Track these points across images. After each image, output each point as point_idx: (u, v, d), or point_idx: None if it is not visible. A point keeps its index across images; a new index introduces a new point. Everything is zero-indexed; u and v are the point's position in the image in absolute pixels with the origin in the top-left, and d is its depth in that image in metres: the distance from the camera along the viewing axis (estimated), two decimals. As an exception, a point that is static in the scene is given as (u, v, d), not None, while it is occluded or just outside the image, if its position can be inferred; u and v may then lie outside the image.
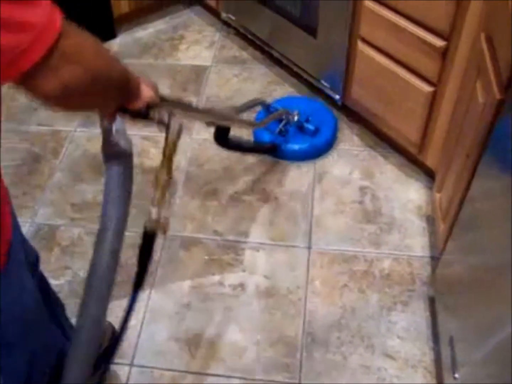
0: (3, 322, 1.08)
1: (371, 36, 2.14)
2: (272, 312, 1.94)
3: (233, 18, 2.94)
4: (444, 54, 1.88)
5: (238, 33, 3.04)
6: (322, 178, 2.35)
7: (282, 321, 1.91)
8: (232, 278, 2.04)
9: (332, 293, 1.98)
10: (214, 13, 3.16)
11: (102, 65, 0.84)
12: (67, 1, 3.05)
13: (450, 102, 1.95)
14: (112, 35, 3.11)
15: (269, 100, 2.50)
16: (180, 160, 2.43)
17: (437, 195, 2.00)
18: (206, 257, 2.10)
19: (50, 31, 0.71)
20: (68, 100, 0.80)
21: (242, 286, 2.01)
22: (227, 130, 2.00)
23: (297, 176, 2.37)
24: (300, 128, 2.46)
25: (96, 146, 2.50)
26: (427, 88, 2.01)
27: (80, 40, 0.78)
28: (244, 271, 2.05)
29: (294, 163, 2.43)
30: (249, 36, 2.92)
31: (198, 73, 2.88)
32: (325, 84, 2.53)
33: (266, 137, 2.44)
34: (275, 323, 1.91)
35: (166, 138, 1.17)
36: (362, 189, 2.30)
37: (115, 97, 0.95)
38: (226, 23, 3.10)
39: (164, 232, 1.20)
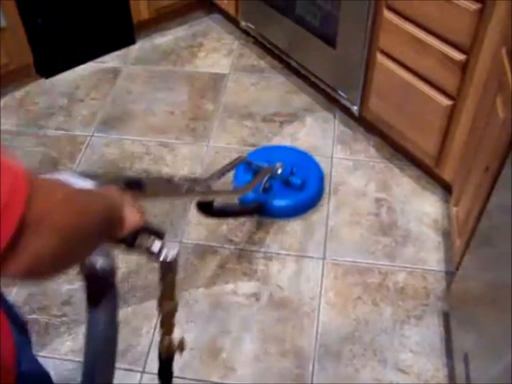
0: None
1: (391, 48, 2.14)
2: (285, 323, 1.93)
3: (252, 26, 2.95)
4: (464, 68, 1.87)
5: (256, 41, 3.05)
6: (338, 189, 2.34)
7: (295, 332, 1.91)
8: (245, 287, 2.03)
9: (346, 305, 1.97)
10: (233, 21, 3.17)
11: (77, 218, 0.69)
12: (87, 7, 3.09)
13: (469, 116, 1.94)
14: (132, 41, 3.13)
15: (247, 154, 2.40)
16: (196, 167, 2.44)
17: (454, 209, 1.99)
18: (220, 266, 2.09)
19: (15, 204, 0.57)
20: (42, 271, 0.66)
21: (255, 295, 2.00)
22: (210, 203, 1.93)
23: (312, 187, 2.36)
24: (285, 182, 2.28)
25: (113, 151, 2.52)
26: (446, 102, 2.00)
27: (48, 198, 0.63)
28: (257, 280, 2.05)
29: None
30: (268, 45, 2.92)
31: (216, 81, 2.89)
32: (343, 94, 2.52)
33: (250, 196, 2.21)
34: (287, 333, 1.90)
35: (162, 271, 1.00)
36: (378, 201, 2.29)
37: (96, 239, 0.79)
38: (245, 32, 3.10)
39: (181, 351, 1.12)
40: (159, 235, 0.93)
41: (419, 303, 1.97)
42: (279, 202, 2.24)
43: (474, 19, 1.76)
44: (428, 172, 2.35)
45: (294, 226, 2.21)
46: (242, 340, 1.89)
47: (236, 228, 2.21)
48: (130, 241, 0.89)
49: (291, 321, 1.94)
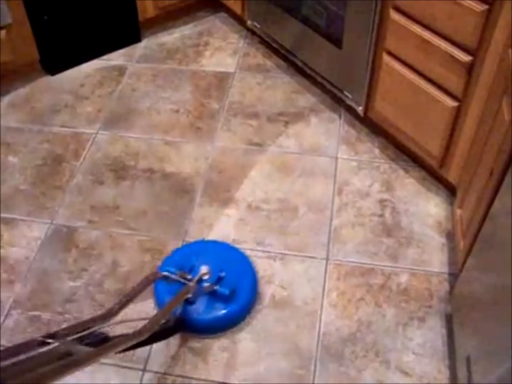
0: None
1: (397, 49, 2.13)
2: (287, 323, 1.93)
3: (258, 26, 2.94)
4: (470, 69, 1.87)
5: (262, 41, 3.05)
6: (342, 189, 2.34)
7: (297, 332, 1.90)
8: (248, 286, 2.03)
9: (348, 306, 1.97)
10: (239, 20, 3.16)
11: None
12: (93, 5, 3.09)
13: (474, 118, 1.93)
14: (137, 39, 3.13)
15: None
16: (200, 165, 2.44)
17: (458, 211, 1.99)
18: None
19: None
20: None
21: (258, 295, 2.00)
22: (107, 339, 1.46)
23: (317, 187, 2.35)
24: (211, 292, 1.91)
25: (118, 149, 2.52)
26: (451, 103, 1.99)
27: None
28: (260, 280, 2.04)
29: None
30: (274, 45, 2.92)
31: (222, 80, 2.88)
32: (348, 95, 2.52)
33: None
34: (290, 334, 1.90)
35: None
36: (382, 202, 2.29)
37: None
38: (251, 31, 3.10)
39: None
40: None
41: (422, 305, 1.96)
42: (204, 317, 1.89)
43: (481, 20, 1.75)
44: (433, 173, 2.34)
45: (298, 225, 2.21)
46: (244, 340, 1.89)
47: (239, 227, 2.21)
48: None
49: (294, 321, 1.93)
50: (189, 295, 1.84)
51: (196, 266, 1.94)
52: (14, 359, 0.83)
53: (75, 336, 0.95)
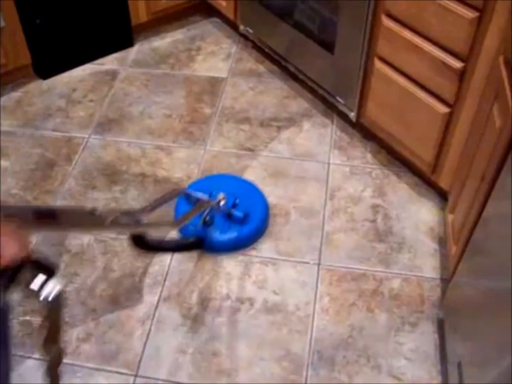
0: None
1: (389, 55, 2.14)
2: (279, 328, 1.93)
3: (251, 31, 2.95)
4: (462, 76, 1.88)
5: (255, 46, 3.05)
6: (334, 195, 2.34)
7: (289, 337, 1.90)
8: (240, 292, 2.03)
9: (340, 311, 1.97)
10: (232, 25, 3.17)
11: None
12: (86, 9, 3.09)
13: (466, 124, 1.94)
14: (130, 44, 3.13)
15: (190, 181, 2.38)
16: (193, 170, 2.44)
17: (450, 216, 1.99)
18: (214, 270, 2.09)
19: None
20: None
21: (250, 300, 2.00)
22: (142, 234, 1.77)
23: (309, 192, 2.36)
24: (227, 215, 2.15)
25: (110, 153, 2.51)
26: (443, 109, 2.00)
27: None
28: (252, 285, 2.04)
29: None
30: (266, 50, 2.93)
31: (214, 85, 2.89)
32: (340, 100, 2.53)
33: (190, 230, 2.10)
34: (282, 339, 1.90)
35: (48, 311, 0.89)
36: (374, 207, 2.29)
37: None
38: (243, 36, 3.11)
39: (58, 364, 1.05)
40: (48, 270, 0.82)
41: (414, 310, 1.97)
42: (220, 237, 2.13)
43: (472, 27, 1.76)
44: (425, 179, 2.35)
45: (291, 231, 2.21)
46: (236, 345, 1.89)
47: (231, 232, 2.21)
48: (9, 276, 0.78)
49: (286, 326, 1.93)
50: (206, 212, 2.06)
51: (213, 193, 2.10)
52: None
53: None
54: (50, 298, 0.83)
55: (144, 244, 1.80)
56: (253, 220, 2.17)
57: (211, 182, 2.29)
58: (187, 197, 2.09)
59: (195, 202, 2.06)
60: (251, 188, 2.32)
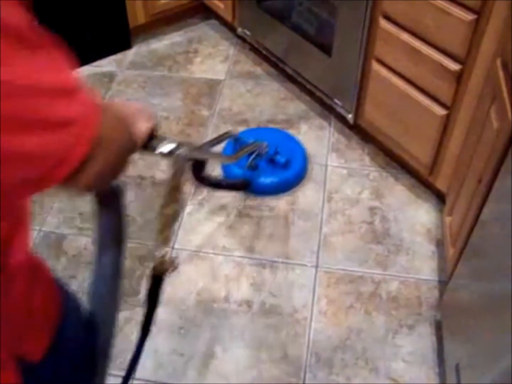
0: None
1: (386, 57, 2.14)
2: (277, 330, 1.92)
3: (249, 33, 2.95)
4: (459, 78, 1.88)
5: (252, 48, 3.05)
6: (332, 197, 2.34)
7: (287, 340, 1.90)
8: (237, 294, 2.02)
9: (338, 314, 1.97)
10: (230, 27, 3.17)
11: (125, 139, 0.80)
12: (83, 11, 3.07)
13: (463, 126, 1.94)
14: (128, 46, 3.13)
15: (237, 132, 2.47)
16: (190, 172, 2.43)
17: (447, 219, 1.99)
18: (212, 273, 2.09)
19: (90, 124, 0.66)
20: (100, 183, 0.76)
21: (247, 302, 2.00)
22: (202, 166, 1.89)
23: (307, 194, 2.36)
24: (270, 161, 2.38)
25: (107, 156, 2.50)
26: (441, 111, 2.00)
27: (109, 122, 0.72)
28: (250, 288, 2.04)
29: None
30: (264, 52, 2.93)
31: (212, 87, 2.89)
32: (338, 102, 2.53)
33: (237, 173, 2.34)
34: (280, 341, 1.90)
35: (173, 172, 1.05)
36: (372, 209, 2.29)
37: (129, 155, 0.88)
38: (241, 38, 3.11)
39: (174, 269, 1.12)
40: (169, 139, 1.00)
41: (412, 312, 1.97)
42: (265, 180, 2.35)
43: (469, 29, 1.77)
44: (422, 181, 2.35)
45: (288, 233, 2.21)
46: (233, 348, 1.89)
47: (229, 234, 2.21)
48: (143, 146, 0.96)
49: (283, 329, 1.93)
50: (252, 156, 2.27)
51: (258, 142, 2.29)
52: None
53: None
54: (178, 157, 1.02)
55: (203, 178, 1.89)
56: (293, 166, 2.40)
57: (254, 133, 2.46)
58: (235, 141, 2.25)
59: (241, 147, 2.21)
60: (291, 139, 2.54)
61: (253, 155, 2.29)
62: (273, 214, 2.28)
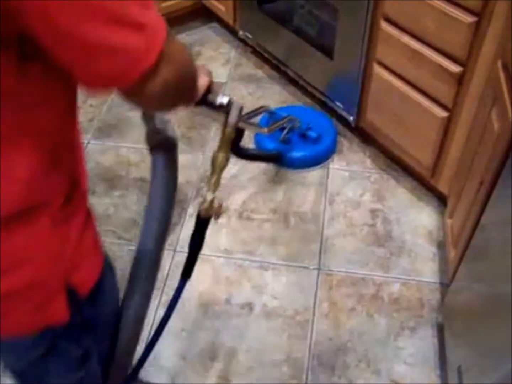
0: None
1: (387, 59, 2.15)
2: (279, 333, 1.93)
3: (250, 36, 2.95)
4: (460, 80, 1.88)
5: (254, 51, 3.06)
6: (333, 199, 2.34)
7: (289, 342, 1.90)
8: (239, 297, 2.03)
9: (340, 316, 1.97)
10: (231, 30, 3.18)
11: (189, 64, 0.89)
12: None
13: (464, 128, 1.94)
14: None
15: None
16: (192, 175, 2.44)
17: (449, 221, 1.99)
18: (213, 275, 2.09)
19: (160, 33, 0.75)
20: (162, 99, 0.84)
21: (249, 305, 2.00)
22: (239, 138, 1.98)
23: (308, 197, 2.36)
24: (302, 136, 2.50)
25: (109, 159, 2.51)
26: (442, 113, 2.00)
27: (174, 41, 0.80)
28: (252, 290, 2.04)
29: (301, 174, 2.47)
30: (265, 55, 2.93)
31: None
32: (339, 105, 2.53)
33: (270, 146, 2.48)
34: (281, 344, 1.90)
35: (226, 121, 1.16)
36: (373, 211, 2.29)
37: (191, 93, 0.99)
38: (242, 41, 3.11)
39: (218, 216, 1.20)
40: (222, 94, 1.13)
41: (414, 315, 1.97)
42: (297, 154, 2.47)
43: (470, 31, 1.77)
44: (424, 183, 2.35)
45: (290, 235, 2.21)
46: (235, 350, 1.89)
47: (230, 237, 2.21)
48: (202, 100, 1.06)
49: (285, 331, 1.93)
50: (285, 131, 2.43)
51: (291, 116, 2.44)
52: None
53: None
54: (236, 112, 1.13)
55: (238, 151, 1.98)
56: (324, 140, 2.50)
57: (288, 110, 2.54)
58: (270, 115, 2.38)
59: (275, 121, 2.37)
60: (322, 116, 2.64)
61: (286, 130, 2.43)
62: (274, 216, 2.28)
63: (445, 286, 2.01)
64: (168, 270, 2.09)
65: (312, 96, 2.77)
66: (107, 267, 1.10)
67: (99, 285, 1.02)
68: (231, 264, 2.12)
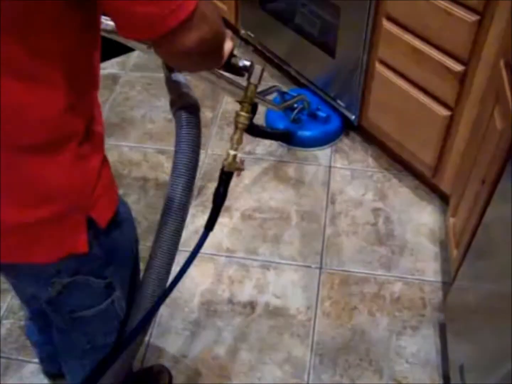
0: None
1: (389, 58, 2.14)
2: (281, 332, 1.93)
3: (252, 35, 2.95)
4: (462, 79, 1.88)
5: (256, 50, 3.05)
6: (335, 198, 2.34)
7: (291, 341, 1.90)
8: (241, 296, 2.03)
9: (342, 315, 1.97)
10: (233, 29, 3.17)
11: (220, 25, 0.96)
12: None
13: (467, 127, 1.94)
14: (131, 48, 3.13)
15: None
16: (194, 175, 2.44)
17: (451, 220, 1.99)
18: (216, 274, 2.09)
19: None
20: (194, 56, 0.93)
21: (251, 304, 2.00)
22: (253, 113, 2.08)
23: (310, 196, 2.36)
24: (312, 116, 2.59)
25: (111, 158, 2.50)
26: (444, 112, 2.00)
27: (207, 3, 0.89)
28: (254, 289, 2.04)
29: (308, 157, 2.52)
30: (267, 54, 2.93)
31: (214, 89, 2.87)
32: (341, 104, 2.53)
33: (281, 125, 2.58)
34: (283, 343, 1.90)
35: (248, 82, 1.23)
36: (375, 210, 2.29)
37: (219, 54, 1.06)
38: (244, 40, 3.11)
39: (240, 172, 1.27)
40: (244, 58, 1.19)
41: (416, 314, 1.97)
42: (307, 133, 2.58)
43: (472, 30, 1.76)
44: (426, 182, 2.35)
45: (292, 234, 2.21)
46: (237, 350, 1.89)
47: (232, 236, 2.21)
48: (227, 63, 1.14)
49: (287, 330, 1.93)
50: (296, 116, 2.56)
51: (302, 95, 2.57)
52: None
53: None
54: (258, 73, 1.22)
55: (251, 126, 2.14)
56: (333, 121, 2.59)
57: (297, 92, 2.61)
58: (281, 95, 2.48)
59: (287, 100, 2.49)
60: (331, 99, 2.66)
61: (297, 110, 2.54)
62: (276, 215, 2.28)
63: (447, 285, 2.00)
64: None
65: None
66: (123, 205, 1.20)
67: (116, 219, 1.11)
68: (233, 263, 2.12)
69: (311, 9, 2.49)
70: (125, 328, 1.30)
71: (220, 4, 3.05)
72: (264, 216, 2.28)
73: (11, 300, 2.00)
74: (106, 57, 3.07)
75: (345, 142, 2.59)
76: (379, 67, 2.21)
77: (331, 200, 2.34)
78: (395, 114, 2.23)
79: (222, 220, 2.27)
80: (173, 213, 1.28)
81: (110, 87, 2.90)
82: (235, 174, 1.26)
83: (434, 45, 1.92)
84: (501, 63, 1.63)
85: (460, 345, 1.67)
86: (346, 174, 2.45)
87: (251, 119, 1.26)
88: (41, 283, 1.11)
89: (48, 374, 1.81)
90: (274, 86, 2.47)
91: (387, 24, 2.08)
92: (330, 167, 2.48)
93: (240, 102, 1.26)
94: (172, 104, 1.29)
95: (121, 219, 1.15)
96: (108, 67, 3.04)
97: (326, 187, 2.39)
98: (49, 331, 1.39)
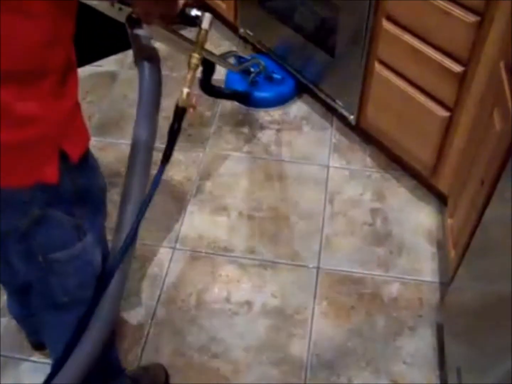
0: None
1: (389, 58, 2.14)
2: (278, 332, 1.92)
3: (251, 33, 2.95)
4: (462, 80, 1.88)
5: (255, 48, 3.05)
6: (333, 198, 2.34)
7: (288, 341, 1.90)
8: (238, 295, 2.02)
9: (339, 315, 1.97)
10: (232, 28, 3.17)
11: None
12: (84, 11, 3.04)
13: (466, 128, 1.94)
14: (129, 46, 3.11)
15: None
16: (192, 173, 2.43)
17: (449, 220, 1.99)
18: (213, 273, 2.09)
19: None
20: (151, 4, 1.13)
21: (248, 303, 2.00)
22: (210, 75, 2.26)
23: (308, 195, 2.36)
24: (268, 78, 2.79)
25: (109, 155, 2.51)
26: (443, 113, 2.00)
27: None
28: (251, 289, 2.04)
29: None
30: (266, 52, 2.92)
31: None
32: (340, 103, 2.52)
33: (240, 87, 2.77)
34: (280, 342, 1.90)
35: (200, 28, 1.33)
36: (373, 211, 2.29)
37: (174, 3, 1.22)
38: (243, 39, 3.10)
39: (193, 108, 1.35)
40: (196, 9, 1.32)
41: (413, 314, 1.97)
42: (264, 94, 2.78)
43: (472, 31, 1.76)
44: (424, 182, 2.35)
45: (290, 234, 2.21)
46: (234, 349, 1.88)
47: (230, 235, 2.21)
48: (181, 15, 1.28)
49: (284, 330, 1.93)
50: (254, 79, 2.75)
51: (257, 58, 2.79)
52: None
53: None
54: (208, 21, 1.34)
55: (209, 89, 2.36)
56: (288, 82, 2.79)
57: (252, 57, 2.83)
58: (238, 59, 2.74)
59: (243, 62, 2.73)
60: (286, 65, 2.84)
61: (254, 73, 2.73)
62: (274, 214, 2.27)
63: (444, 286, 2.00)
64: (168, 268, 2.09)
65: (312, 94, 2.76)
66: (93, 157, 1.32)
67: (86, 160, 1.21)
68: (230, 262, 2.12)
69: (310, 8, 2.48)
70: (103, 287, 1.31)
71: (219, 2, 3.05)
72: (262, 215, 2.28)
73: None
74: (104, 54, 3.06)
75: (343, 142, 2.59)
76: (378, 67, 2.21)
77: (329, 200, 2.33)
78: (394, 114, 2.23)
79: (220, 219, 2.27)
80: (141, 153, 1.41)
81: (109, 85, 2.90)
82: (190, 110, 1.36)
83: (434, 46, 1.92)
84: (501, 64, 1.63)
85: (457, 346, 1.67)
86: (344, 173, 2.45)
87: (201, 60, 1.36)
88: (16, 212, 1.14)
89: (34, 345, 1.86)
90: (230, 51, 2.76)
91: (386, 24, 2.07)
92: (328, 166, 2.48)
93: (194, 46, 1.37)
94: (134, 54, 1.41)
95: (92, 164, 1.28)
96: (106, 65, 3.03)
97: (324, 187, 2.39)
98: (29, 303, 1.44)
